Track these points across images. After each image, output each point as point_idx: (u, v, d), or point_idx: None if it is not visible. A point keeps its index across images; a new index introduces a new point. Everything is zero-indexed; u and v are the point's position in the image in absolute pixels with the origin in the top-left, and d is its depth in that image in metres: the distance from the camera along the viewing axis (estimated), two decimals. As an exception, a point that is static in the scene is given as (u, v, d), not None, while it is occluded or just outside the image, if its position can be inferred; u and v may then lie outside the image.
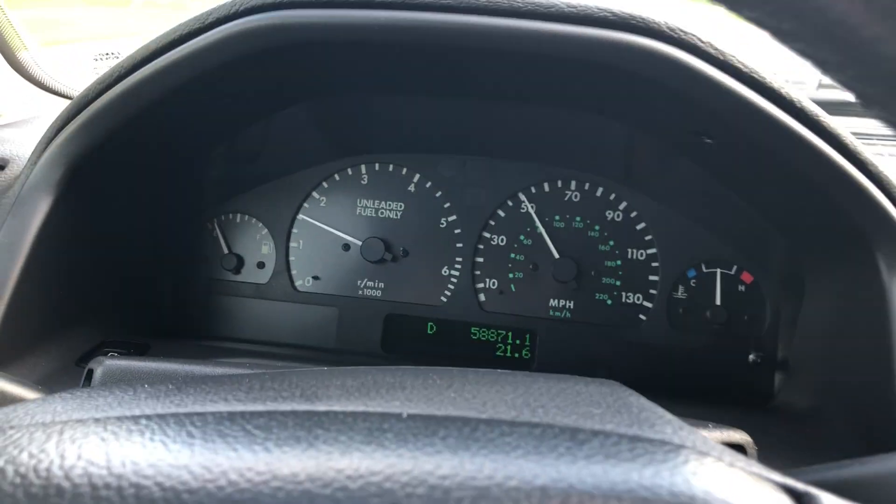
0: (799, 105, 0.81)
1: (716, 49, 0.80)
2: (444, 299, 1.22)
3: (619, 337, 1.16)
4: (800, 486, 0.37)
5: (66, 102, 1.50)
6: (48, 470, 0.34)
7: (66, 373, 0.96)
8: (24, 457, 0.35)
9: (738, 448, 0.70)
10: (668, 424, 0.43)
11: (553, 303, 1.19)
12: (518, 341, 1.19)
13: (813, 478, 0.53)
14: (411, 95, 1.08)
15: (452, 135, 1.19)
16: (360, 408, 0.43)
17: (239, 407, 0.43)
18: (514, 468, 0.35)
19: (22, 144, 1.15)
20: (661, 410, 0.47)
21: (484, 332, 1.20)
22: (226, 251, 1.24)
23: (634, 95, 0.90)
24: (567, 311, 1.19)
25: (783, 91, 0.81)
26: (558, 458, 0.36)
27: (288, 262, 1.24)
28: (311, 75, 0.99)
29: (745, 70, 0.80)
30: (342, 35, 0.84)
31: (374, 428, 0.39)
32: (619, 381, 0.56)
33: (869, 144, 1.25)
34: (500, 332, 1.19)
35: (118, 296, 1.12)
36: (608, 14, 0.80)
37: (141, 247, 1.15)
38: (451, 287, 1.22)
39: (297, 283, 1.24)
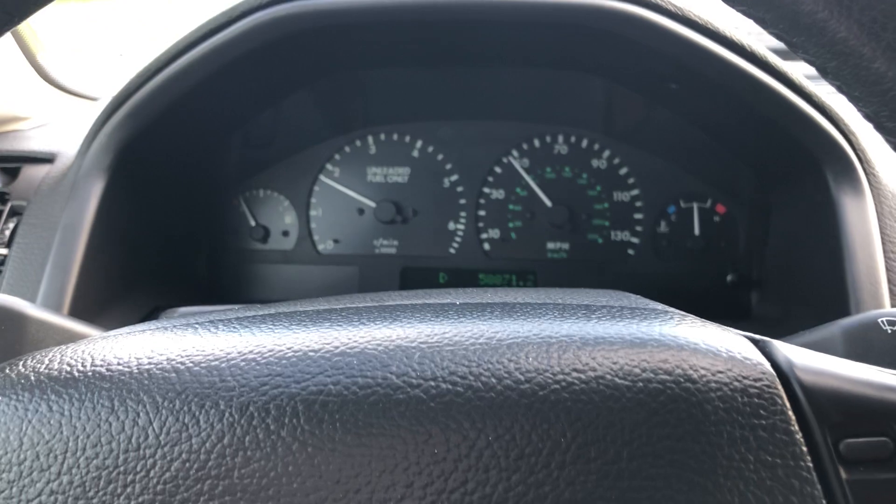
0: (749, 49, 0.95)
1: (674, 5, 0.94)
2: (453, 251, 1.35)
3: (611, 271, 1.31)
4: (755, 335, 0.47)
5: (86, 103, 1.63)
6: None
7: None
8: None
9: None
10: (659, 304, 0.56)
11: (551, 245, 1.33)
12: (522, 283, 1.33)
13: None
14: (410, 68, 1.21)
15: (448, 102, 1.32)
16: (423, 301, 0.56)
17: (325, 307, 0.56)
18: (547, 325, 0.46)
19: (62, 141, 1.27)
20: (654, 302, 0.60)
21: (490, 276, 1.34)
22: (253, 223, 1.38)
23: (607, 51, 1.03)
24: (563, 252, 1.33)
25: (734, 37, 0.94)
26: (578, 318, 0.47)
27: (310, 228, 1.38)
28: (324, 57, 1.13)
29: (700, 21, 0.94)
30: (355, 18, 0.98)
31: (439, 310, 0.50)
32: None
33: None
34: (504, 275, 1.34)
35: (164, 266, 1.25)
36: (580, -18, 0.94)
37: (180, 223, 1.28)
38: (458, 239, 1.35)
39: (320, 247, 1.38)
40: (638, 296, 0.61)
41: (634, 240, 1.31)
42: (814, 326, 1.08)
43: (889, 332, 0.74)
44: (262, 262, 1.38)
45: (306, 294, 1.36)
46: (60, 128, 1.42)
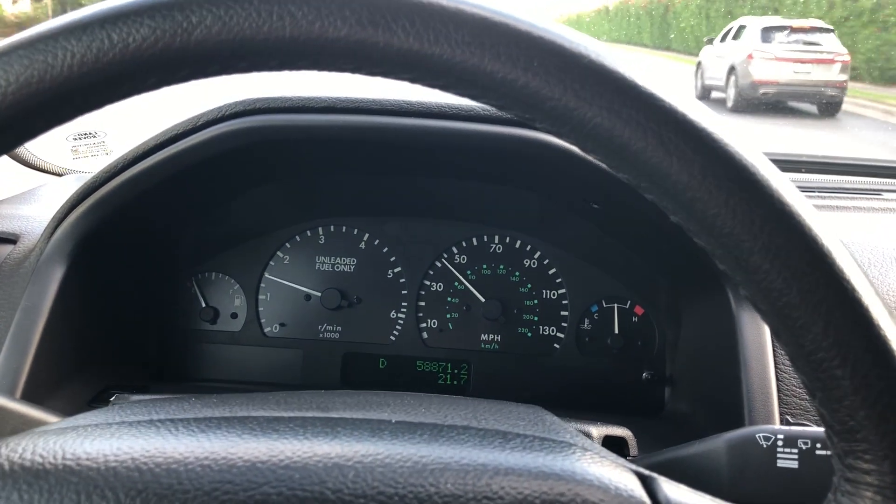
0: (659, 179, 1.08)
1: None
2: (393, 338, 1.44)
3: (538, 363, 1.41)
4: (645, 471, 0.55)
5: (48, 177, 1.69)
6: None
7: (81, 412, 1.15)
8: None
9: (621, 441, 0.94)
10: (567, 432, 0.65)
11: (484, 337, 1.43)
12: (456, 371, 1.42)
13: (655, 460, 0.78)
14: (360, 174, 1.32)
15: (396, 201, 1.43)
16: (363, 416, 0.63)
17: (274, 413, 0.63)
18: (466, 452, 0.53)
19: (26, 220, 1.33)
20: (567, 425, 0.68)
21: (427, 364, 1.43)
22: (203, 305, 1.45)
23: (536, 173, 1.15)
24: (496, 344, 1.43)
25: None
26: (493, 448, 0.55)
27: (257, 312, 1.46)
28: (280, 163, 1.23)
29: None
30: (310, 134, 1.08)
31: (376, 428, 0.57)
32: (539, 400, 0.78)
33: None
34: (440, 363, 1.43)
35: (115, 347, 1.31)
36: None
37: (133, 304, 1.35)
38: (399, 328, 1.44)
39: (266, 330, 1.45)
40: (554, 418, 0.69)
41: (560, 335, 1.41)
42: (716, 426, 1.19)
43: (764, 446, 0.85)
44: (210, 343, 1.45)
45: (251, 375, 1.43)
46: (23, 203, 1.48)
